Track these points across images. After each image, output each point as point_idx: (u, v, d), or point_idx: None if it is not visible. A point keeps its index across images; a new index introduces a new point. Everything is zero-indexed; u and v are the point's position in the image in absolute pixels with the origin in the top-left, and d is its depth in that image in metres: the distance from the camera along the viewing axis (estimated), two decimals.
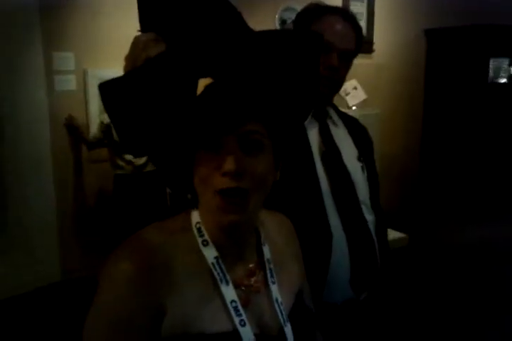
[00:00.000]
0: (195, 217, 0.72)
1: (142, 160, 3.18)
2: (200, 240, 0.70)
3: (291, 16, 3.74)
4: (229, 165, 0.65)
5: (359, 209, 1.26)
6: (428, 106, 4.65)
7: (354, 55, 1.32)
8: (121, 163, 3.22)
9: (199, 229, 0.70)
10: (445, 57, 4.46)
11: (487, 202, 4.39)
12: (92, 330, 0.66)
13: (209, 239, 0.70)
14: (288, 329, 0.73)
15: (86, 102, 3.27)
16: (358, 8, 4.05)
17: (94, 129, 3.28)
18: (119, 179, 3.26)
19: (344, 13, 1.28)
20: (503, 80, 4.49)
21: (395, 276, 1.42)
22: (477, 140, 4.34)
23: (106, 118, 3.19)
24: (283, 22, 3.65)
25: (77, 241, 3.37)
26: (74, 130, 3.23)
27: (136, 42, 0.78)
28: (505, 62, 4.48)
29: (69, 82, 3.17)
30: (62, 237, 3.27)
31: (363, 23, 4.01)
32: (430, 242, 3.94)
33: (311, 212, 1.18)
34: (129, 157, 3.18)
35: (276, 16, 3.66)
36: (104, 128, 3.18)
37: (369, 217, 1.28)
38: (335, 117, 1.37)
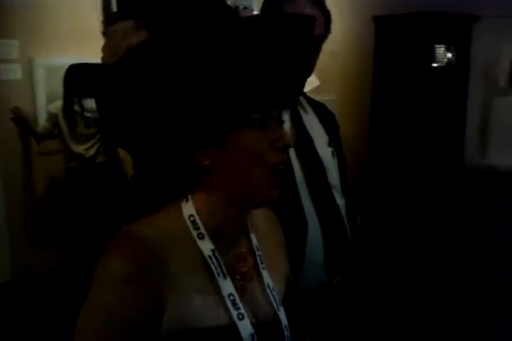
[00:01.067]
0: (188, 209, 0.69)
1: (92, 151, 3.10)
2: (195, 233, 0.67)
3: (242, 3, 3.72)
4: (289, 139, 0.66)
5: (331, 194, 1.28)
6: (376, 91, 4.78)
7: (323, 40, 1.33)
8: (71, 155, 3.11)
9: (193, 222, 0.68)
10: (392, 43, 4.59)
11: (432, 184, 4.59)
12: (87, 328, 0.64)
13: (205, 232, 0.68)
14: (282, 315, 0.74)
15: (33, 92, 3.13)
16: None
17: (42, 120, 3.15)
18: (70, 172, 3.15)
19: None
20: (443, 65, 4.69)
21: (365, 258, 1.47)
22: (422, 122, 4.51)
23: (53, 109, 3.07)
24: (235, 8, 3.61)
25: (28, 238, 3.25)
26: (21, 122, 3.09)
27: (114, 30, 0.76)
28: (444, 47, 4.68)
29: (14, 71, 3.01)
30: (12, 235, 3.15)
31: None
32: (381, 223, 4.08)
33: (286, 200, 1.19)
34: (78, 149, 3.08)
35: (229, 3, 3.62)
36: (53, 119, 3.06)
37: (340, 201, 1.31)
38: (305, 104, 1.38)
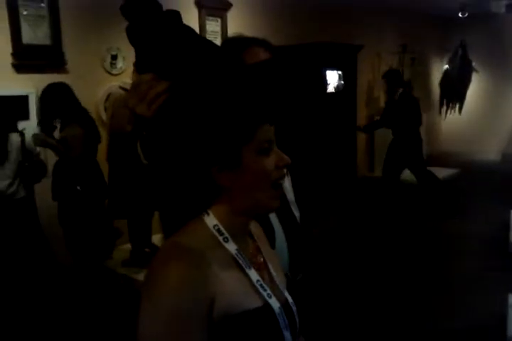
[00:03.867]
0: (211, 220, 0.85)
1: (12, 189, 2.96)
2: (221, 238, 0.84)
3: None
4: (287, 158, 0.87)
5: (290, 208, 1.52)
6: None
7: None
8: None
9: (218, 230, 0.85)
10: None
11: (331, 194, 5.08)
12: (152, 327, 0.76)
13: (228, 236, 0.85)
14: (288, 295, 0.93)
15: None
16: (214, 27, 4.39)
17: None
18: None
19: (267, 45, 1.47)
20: (336, 90, 5.25)
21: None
22: (319, 142, 4.98)
23: None
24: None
25: None
26: None
27: (139, 82, 0.91)
28: (336, 74, 5.24)
29: None
30: None
31: (218, 42, 4.36)
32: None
33: None
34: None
35: None
36: None
37: (296, 213, 1.55)
38: None
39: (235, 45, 1.45)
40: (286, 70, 0.92)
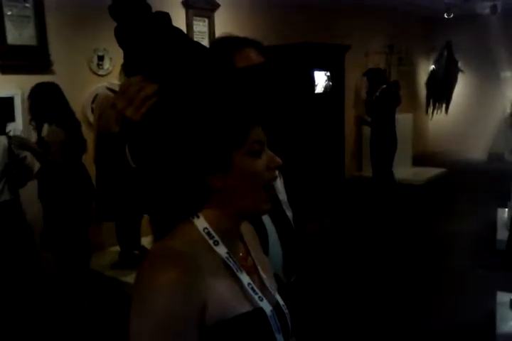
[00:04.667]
0: (201, 223, 0.84)
1: None
2: (211, 241, 0.83)
3: None
4: (279, 160, 0.86)
5: (282, 208, 1.50)
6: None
7: None
8: None
9: (208, 233, 0.84)
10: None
11: (319, 193, 5.09)
12: (144, 333, 0.74)
13: (219, 239, 0.83)
14: (279, 298, 0.92)
15: None
16: (201, 28, 4.38)
17: None
18: None
19: (258, 46, 1.43)
20: (324, 90, 5.27)
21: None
22: (308, 143, 4.99)
23: None
24: None
25: None
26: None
27: (128, 84, 0.90)
28: (323, 75, 5.26)
29: None
30: None
31: (205, 42, 4.35)
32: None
33: None
34: None
35: None
36: None
37: (289, 213, 1.53)
38: None
39: (225, 45, 1.41)
40: (278, 73, 0.91)
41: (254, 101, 0.86)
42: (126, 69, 0.95)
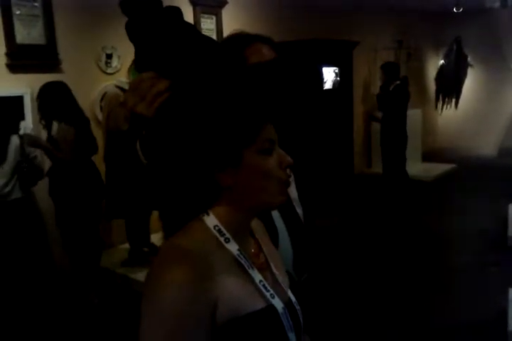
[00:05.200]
0: (211, 221, 0.83)
1: (7, 189, 2.93)
2: (222, 239, 0.82)
3: None
4: (290, 159, 0.85)
5: (292, 206, 1.49)
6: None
7: None
8: None
9: (219, 230, 0.83)
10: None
11: (328, 190, 5.08)
12: (157, 330, 0.74)
13: (230, 236, 0.83)
14: (291, 294, 0.91)
15: None
16: (209, 25, 4.37)
17: None
18: None
19: (271, 42, 1.42)
20: (333, 87, 5.25)
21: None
22: (317, 139, 4.98)
23: None
24: None
25: None
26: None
27: (140, 79, 0.89)
28: (332, 71, 5.24)
29: None
30: None
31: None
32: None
33: None
34: None
35: None
36: None
37: (299, 210, 1.52)
38: None
39: (237, 41, 1.41)
40: (289, 70, 0.90)
41: (266, 98, 0.84)
42: (138, 65, 0.94)
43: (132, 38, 0.93)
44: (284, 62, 1.01)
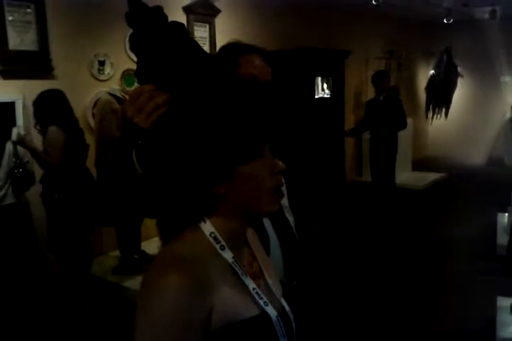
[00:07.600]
0: (208, 228, 0.84)
1: (1, 194, 2.93)
2: (217, 246, 0.83)
3: None
4: (282, 164, 0.86)
5: (283, 213, 1.52)
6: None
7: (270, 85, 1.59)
8: None
9: (215, 238, 0.84)
10: (277, 77, 5.04)
11: (320, 197, 5.10)
12: (149, 335, 0.75)
13: (225, 244, 0.84)
14: (284, 302, 0.92)
15: None
16: (202, 33, 4.40)
17: None
18: None
19: (261, 52, 1.50)
20: (325, 95, 5.29)
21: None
22: (309, 147, 5.01)
23: None
24: None
25: None
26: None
27: (138, 92, 0.90)
28: (324, 80, 5.28)
29: None
30: None
31: (206, 48, 4.36)
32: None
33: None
34: None
35: None
36: None
37: (290, 218, 1.56)
38: None
39: (232, 49, 1.48)
40: (284, 94, 0.92)
41: (264, 118, 0.86)
42: (139, 76, 0.95)
43: (135, 49, 0.95)
44: (281, 84, 1.03)
